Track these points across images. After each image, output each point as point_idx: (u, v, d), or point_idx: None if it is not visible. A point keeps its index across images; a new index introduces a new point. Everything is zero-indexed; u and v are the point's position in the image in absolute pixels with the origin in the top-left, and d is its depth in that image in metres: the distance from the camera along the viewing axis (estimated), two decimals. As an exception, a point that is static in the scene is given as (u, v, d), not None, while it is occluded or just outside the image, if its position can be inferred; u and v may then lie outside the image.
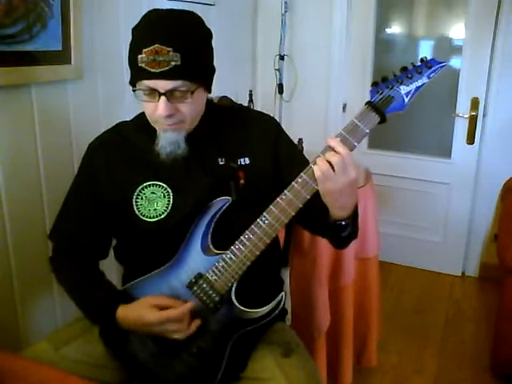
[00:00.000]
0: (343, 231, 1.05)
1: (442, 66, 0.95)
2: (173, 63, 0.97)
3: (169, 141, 1.05)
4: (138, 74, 1.00)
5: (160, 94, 0.99)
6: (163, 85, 0.98)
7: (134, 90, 1.03)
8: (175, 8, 1.05)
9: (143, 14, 1.04)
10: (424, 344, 2.30)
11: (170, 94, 0.99)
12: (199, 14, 1.06)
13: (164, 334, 1.04)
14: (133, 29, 1.03)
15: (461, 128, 2.77)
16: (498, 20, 2.54)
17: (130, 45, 1.02)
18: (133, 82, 1.03)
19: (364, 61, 2.91)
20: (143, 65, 0.97)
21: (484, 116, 2.71)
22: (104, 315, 1.08)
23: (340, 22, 2.83)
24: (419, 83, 0.95)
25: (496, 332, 2.06)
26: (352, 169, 0.93)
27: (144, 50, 0.96)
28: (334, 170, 0.92)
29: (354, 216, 1.05)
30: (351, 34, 2.88)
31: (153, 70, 0.97)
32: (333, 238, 1.14)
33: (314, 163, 0.94)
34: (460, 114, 2.75)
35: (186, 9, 1.07)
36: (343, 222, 1.02)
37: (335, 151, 0.93)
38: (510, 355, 1.96)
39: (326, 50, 2.89)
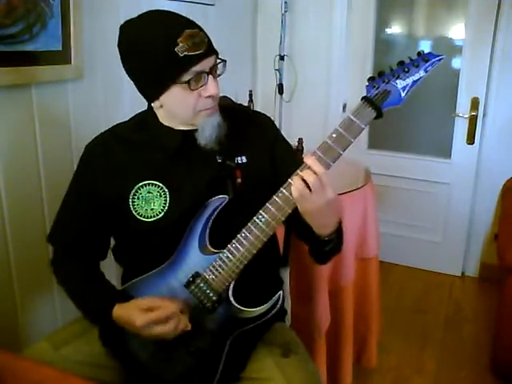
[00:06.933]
0: (326, 245, 1.04)
1: (440, 59, 0.93)
2: (206, 40, 1.02)
3: (215, 124, 1.07)
4: (184, 65, 0.99)
5: (208, 74, 1.02)
6: (207, 63, 1.02)
7: (186, 82, 0.99)
8: (175, 9, 1.06)
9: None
10: (424, 344, 2.30)
11: (213, 72, 1.04)
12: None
13: (152, 337, 1.02)
14: (138, 35, 1.01)
15: (461, 128, 2.77)
16: (498, 20, 2.54)
17: (150, 50, 0.99)
18: (175, 78, 1.00)
19: (364, 61, 2.91)
20: (186, 53, 0.98)
21: (484, 116, 2.71)
22: (100, 313, 1.08)
23: (340, 21, 2.84)
24: (416, 77, 0.93)
25: (496, 332, 2.06)
26: (329, 189, 0.92)
27: (179, 40, 0.97)
28: (310, 190, 0.91)
29: (337, 231, 1.04)
30: (351, 33, 2.88)
31: (198, 53, 0.99)
32: (314, 252, 1.13)
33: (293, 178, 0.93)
34: (460, 114, 2.75)
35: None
36: (326, 238, 1.02)
37: (312, 170, 0.91)
38: (510, 355, 1.96)
39: (326, 50, 2.89)
